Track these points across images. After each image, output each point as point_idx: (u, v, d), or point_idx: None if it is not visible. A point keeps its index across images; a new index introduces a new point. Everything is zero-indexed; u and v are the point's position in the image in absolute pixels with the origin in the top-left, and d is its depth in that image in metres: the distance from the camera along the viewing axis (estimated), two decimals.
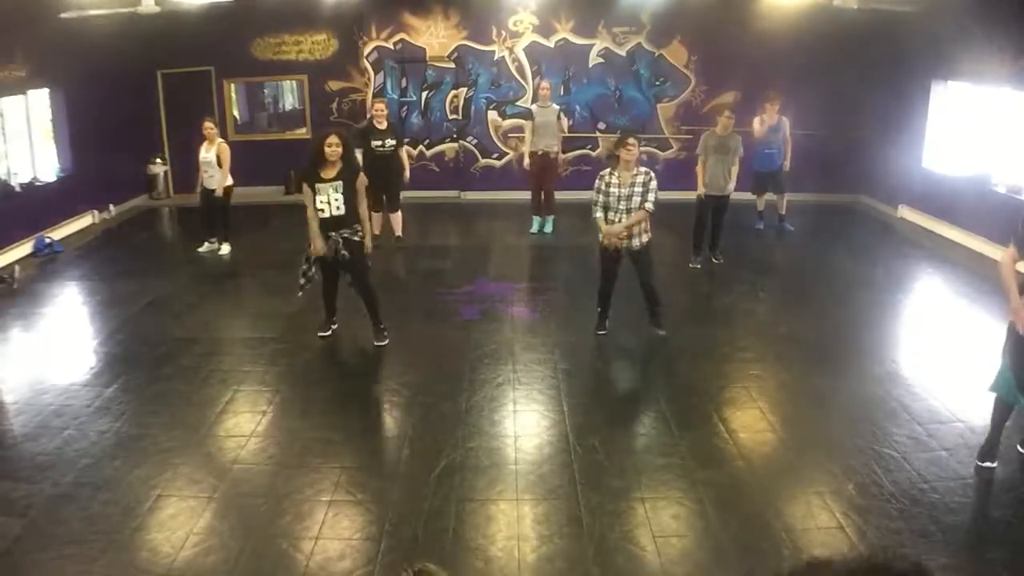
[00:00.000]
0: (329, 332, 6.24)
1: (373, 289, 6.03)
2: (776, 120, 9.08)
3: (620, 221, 5.84)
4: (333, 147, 5.60)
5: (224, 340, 6.42)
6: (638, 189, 5.79)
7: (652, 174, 5.89)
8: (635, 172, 5.82)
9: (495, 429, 4.87)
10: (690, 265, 8.12)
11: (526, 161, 9.33)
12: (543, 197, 9.43)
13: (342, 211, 5.69)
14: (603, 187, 5.89)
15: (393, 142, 8.44)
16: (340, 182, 5.66)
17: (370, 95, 11.43)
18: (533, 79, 11.39)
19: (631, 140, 5.84)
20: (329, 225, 5.72)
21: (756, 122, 9.07)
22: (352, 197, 5.73)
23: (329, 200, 5.66)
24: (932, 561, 3.58)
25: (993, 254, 8.42)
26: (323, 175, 5.66)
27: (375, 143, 8.31)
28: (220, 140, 8.61)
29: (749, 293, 7.49)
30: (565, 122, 9.43)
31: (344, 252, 5.74)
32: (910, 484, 4.20)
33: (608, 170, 5.94)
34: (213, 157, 8.44)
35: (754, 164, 9.26)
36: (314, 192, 5.66)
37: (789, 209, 9.57)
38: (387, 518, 3.97)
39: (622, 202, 5.81)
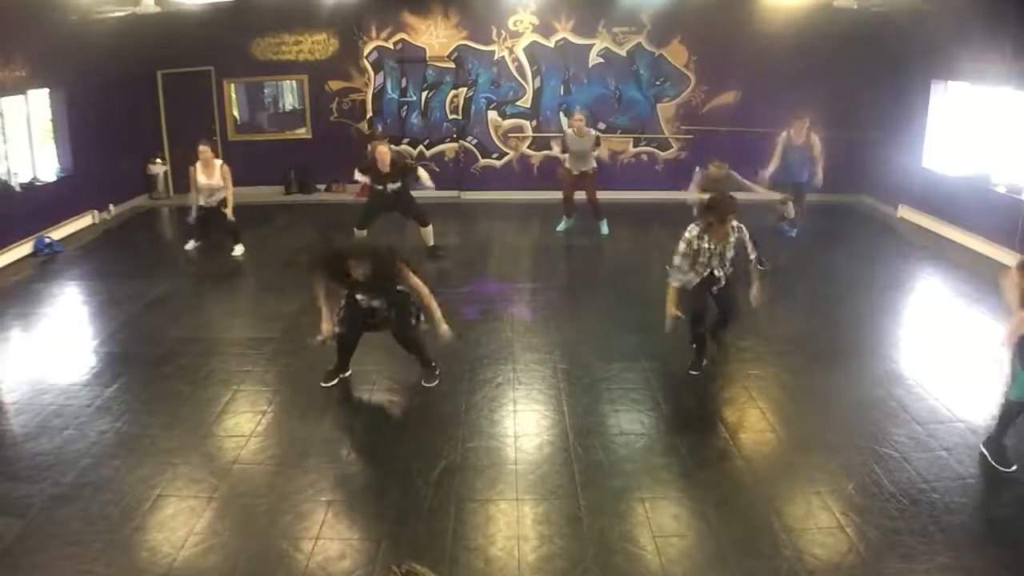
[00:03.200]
0: (335, 382, 5.50)
1: (421, 343, 5.45)
2: (804, 138, 8.74)
3: (713, 273, 5.49)
4: (356, 273, 4.94)
5: (224, 340, 6.41)
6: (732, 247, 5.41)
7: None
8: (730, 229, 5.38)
9: (495, 429, 4.87)
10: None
11: (562, 170, 9.47)
12: (590, 205, 9.52)
13: (383, 309, 5.20)
14: (690, 249, 5.39)
15: (396, 185, 8.22)
16: (378, 287, 5.08)
17: (370, 95, 11.47)
18: (533, 79, 11.41)
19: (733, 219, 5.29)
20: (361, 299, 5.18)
21: (780, 139, 8.78)
22: (397, 294, 5.16)
23: (370, 302, 5.17)
24: (932, 561, 3.59)
25: (993, 254, 8.44)
26: (353, 278, 5.02)
27: (377, 186, 8.23)
28: (220, 162, 8.61)
29: (749, 293, 7.47)
30: (604, 149, 9.57)
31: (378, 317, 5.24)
32: (910, 484, 4.20)
33: (696, 230, 5.39)
34: (218, 182, 8.51)
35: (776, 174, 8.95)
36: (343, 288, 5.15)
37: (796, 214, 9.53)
38: (387, 518, 3.97)
39: (715, 259, 5.43)
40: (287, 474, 4.35)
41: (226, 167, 8.61)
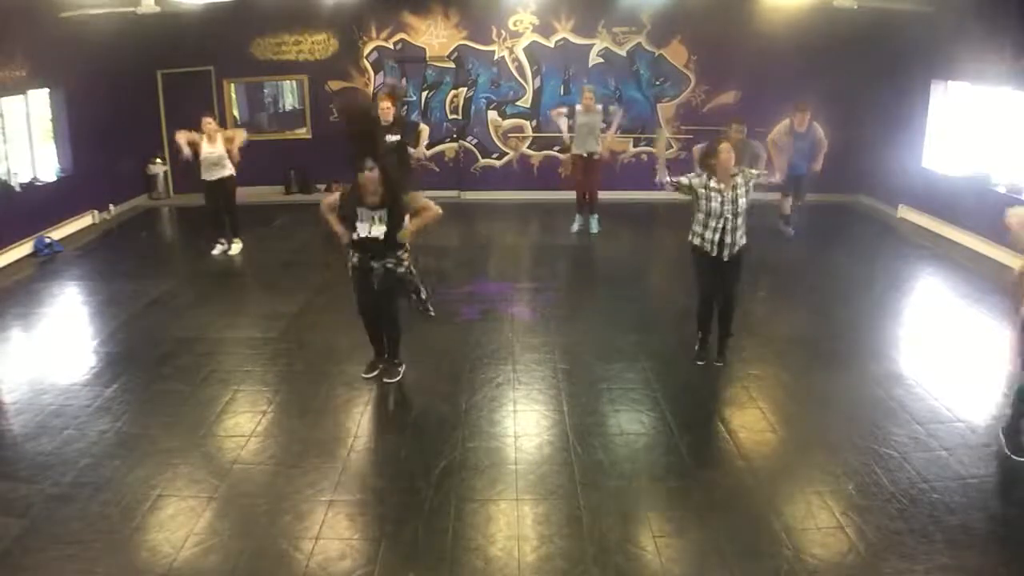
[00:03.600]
0: (375, 372, 5.54)
1: (397, 322, 5.46)
2: (806, 127, 8.73)
3: (727, 228, 5.40)
4: (372, 183, 4.97)
5: (224, 340, 6.41)
6: (741, 191, 5.39)
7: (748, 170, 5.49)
8: (735, 173, 5.40)
9: (495, 429, 4.87)
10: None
11: (564, 167, 9.34)
12: (587, 197, 9.44)
13: (380, 239, 5.08)
14: (700, 183, 5.41)
15: (396, 137, 8.32)
16: (384, 211, 5.05)
17: (370, 95, 11.45)
18: (533, 79, 11.42)
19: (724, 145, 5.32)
20: (364, 247, 5.14)
21: (780, 127, 8.73)
22: (395, 229, 5.10)
23: (370, 230, 5.08)
24: (932, 561, 3.59)
25: (993, 254, 8.43)
26: (365, 201, 5.06)
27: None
28: (221, 129, 8.62)
29: (749, 293, 7.47)
30: (617, 114, 9.35)
31: (378, 282, 5.20)
32: (910, 484, 4.20)
33: (704, 175, 5.42)
34: (221, 151, 8.41)
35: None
36: (354, 218, 5.11)
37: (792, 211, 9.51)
38: (387, 518, 3.97)
39: (727, 205, 5.37)
40: (287, 474, 4.35)
41: (228, 130, 8.56)
